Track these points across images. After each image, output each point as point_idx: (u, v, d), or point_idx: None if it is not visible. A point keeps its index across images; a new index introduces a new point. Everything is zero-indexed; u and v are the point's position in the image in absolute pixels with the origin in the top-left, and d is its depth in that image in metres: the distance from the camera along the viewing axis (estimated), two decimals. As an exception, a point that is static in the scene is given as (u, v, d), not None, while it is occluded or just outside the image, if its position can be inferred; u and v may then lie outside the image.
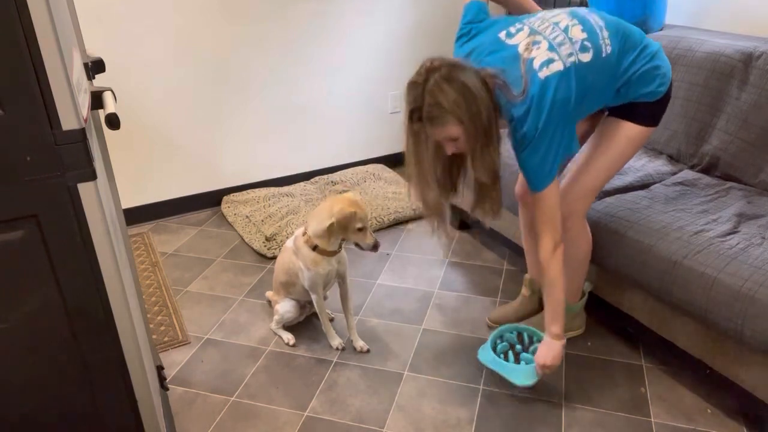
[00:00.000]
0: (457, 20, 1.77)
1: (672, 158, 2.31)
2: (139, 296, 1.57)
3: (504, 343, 1.92)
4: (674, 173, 2.19)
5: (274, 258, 2.59)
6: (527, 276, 2.11)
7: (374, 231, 2.80)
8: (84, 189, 0.96)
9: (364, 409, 1.80)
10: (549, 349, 1.72)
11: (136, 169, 2.84)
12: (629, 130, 1.72)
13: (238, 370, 1.96)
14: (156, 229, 2.89)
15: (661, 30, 2.53)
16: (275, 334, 2.13)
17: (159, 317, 2.22)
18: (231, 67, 2.87)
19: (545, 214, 1.64)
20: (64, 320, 1.04)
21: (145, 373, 1.17)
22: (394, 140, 3.51)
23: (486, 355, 1.86)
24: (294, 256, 2.00)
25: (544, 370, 1.73)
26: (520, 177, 1.97)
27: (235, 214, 2.90)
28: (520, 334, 1.95)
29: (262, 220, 2.78)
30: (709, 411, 1.76)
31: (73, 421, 1.13)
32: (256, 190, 3.10)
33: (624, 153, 1.76)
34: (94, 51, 1.39)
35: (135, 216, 2.91)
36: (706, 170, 2.18)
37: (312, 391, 1.87)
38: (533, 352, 1.83)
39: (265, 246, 2.62)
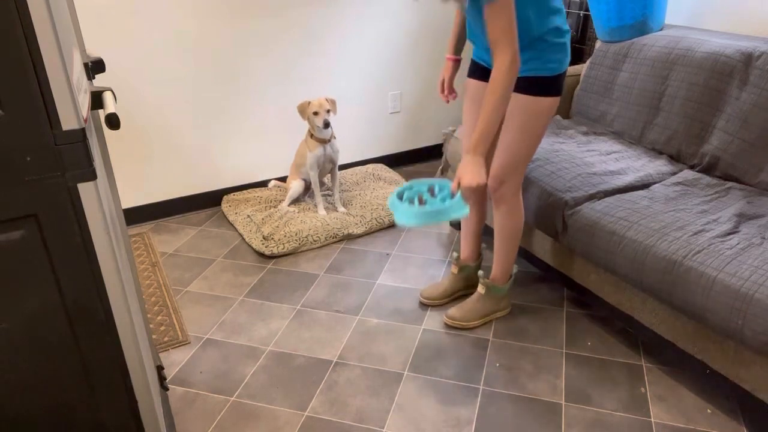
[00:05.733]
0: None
1: (672, 158, 2.31)
2: (139, 296, 1.57)
3: (413, 190, 1.74)
4: (674, 173, 2.19)
5: (272, 257, 2.60)
6: (455, 254, 2.28)
7: (374, 231, 2.81)
8: (84, 189, 0.96)
9: (364, 409, 1.80)
10: (469, 165, 1.61)
11: (136, 169, 2.84)
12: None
13: (238, 370, 1.96)
14: (156, 229, 2.89)
15: (661, 30, 2.53)
16: (286, 210, 2.84)
17: (159, 317, 2.22)
18: (231, 67, 2.87)
19: (502, 23, 1.55)
20: (64, 320, 1.04)
21: (145, 373, 1.17)
22: (394, 140, 3.51)
23: (396, 205, 1.66)
24: (304, 144, 2.84)
25: (463, 191, 1.62)
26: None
27: (236, 213, 2.90)
28: (431, 187, 1.77)
29: (263, 219, 2.78)
30: (709, 411, 1.76)
31: (72, 421, 1.13)
32: (258, 190, 3.10)
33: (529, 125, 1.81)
34: (94, 51, 1.39)
35: (135, 216, 2.91)
36: (706, 170, 2.18)
37: (312, 391, 1.87)
38: (443, 200, 1.66)
39: (263, 244, 2.62)
